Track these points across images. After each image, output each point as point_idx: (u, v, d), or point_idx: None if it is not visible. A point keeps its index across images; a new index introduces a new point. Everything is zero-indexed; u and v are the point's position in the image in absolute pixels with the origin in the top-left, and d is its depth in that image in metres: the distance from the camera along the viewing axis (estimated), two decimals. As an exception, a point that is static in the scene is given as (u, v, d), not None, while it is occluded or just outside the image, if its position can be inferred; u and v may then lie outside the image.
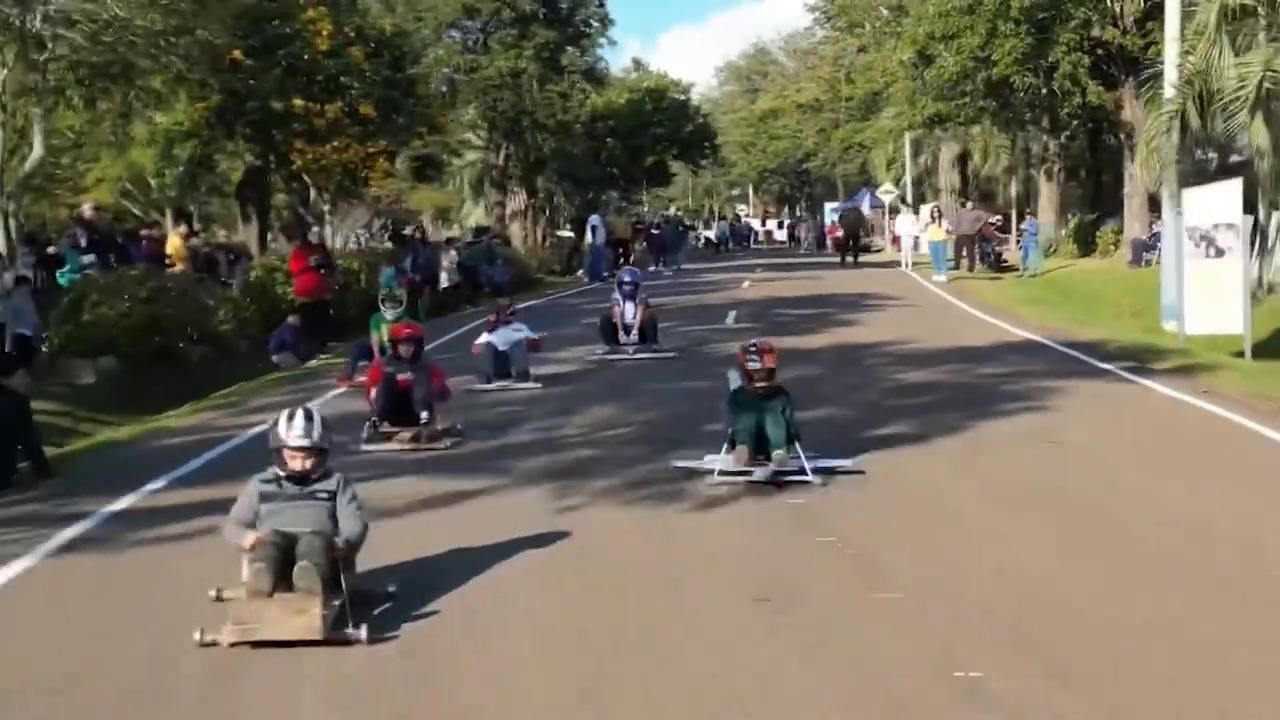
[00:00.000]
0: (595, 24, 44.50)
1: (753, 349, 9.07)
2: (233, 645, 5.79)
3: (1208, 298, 16.51)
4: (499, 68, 40.63)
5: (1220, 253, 16.49)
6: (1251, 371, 14.56)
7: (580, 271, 36.83)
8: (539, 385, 14.10)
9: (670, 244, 42.65)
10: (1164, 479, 9.18)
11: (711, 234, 68.17)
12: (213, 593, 6.21)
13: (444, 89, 40.88)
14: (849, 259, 38.25)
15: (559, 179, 48.15)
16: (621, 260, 36.55)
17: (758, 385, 8.92)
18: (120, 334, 16.69)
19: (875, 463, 9.48)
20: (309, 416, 6.43)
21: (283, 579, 5.98)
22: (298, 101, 23.29)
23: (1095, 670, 5.31)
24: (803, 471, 8.68)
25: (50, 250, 20.36)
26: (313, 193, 26.53)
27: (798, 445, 8.80)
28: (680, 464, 9.45)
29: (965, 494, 8.79)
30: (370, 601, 6.29)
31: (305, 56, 23.42)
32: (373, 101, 24.11)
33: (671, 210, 74.07)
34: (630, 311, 17.15)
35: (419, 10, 40.13)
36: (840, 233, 41.40)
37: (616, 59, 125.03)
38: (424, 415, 10.79)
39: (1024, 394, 12.63)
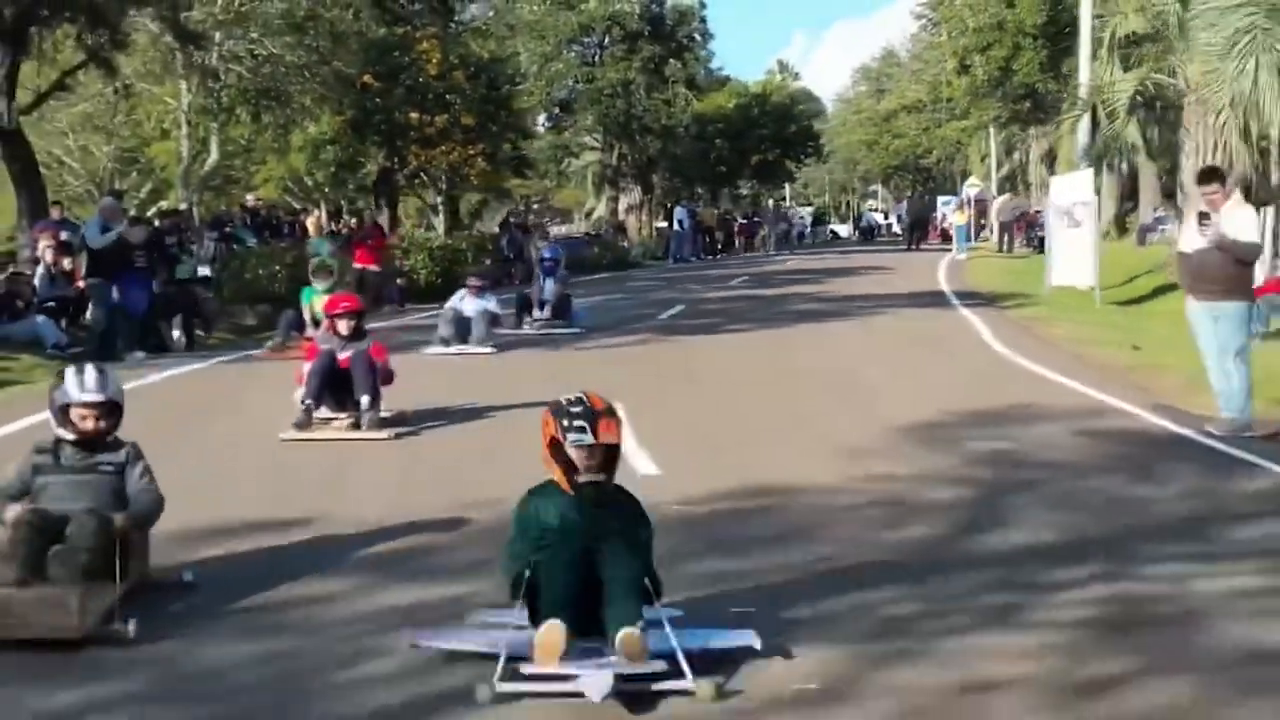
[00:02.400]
0: (697, 38, 50.85)
1: (575, 410, 4.86)
2: None
3: (1067, 258, 22.04)
4: (610, 79, 47.30)
5: (1077, 224, 22.00)
6: (1061, 305, 20.12)
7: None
8: (494, 350, 15.52)
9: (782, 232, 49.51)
10: (891, 357, 15.08)
11: (841, 228, 74.96)
12: None
13: (563, 98, 48.05)
14: (913, 245, 43.97)
15: (670, 176, 54.64)
16: (708, 244, 43.22)
17: (585, 483, 4.86)
18: (271, 288, 23.64)
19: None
20: (101, 370, 5.89)
21: (41, 566, 5.31)
22: (413, 115, 30.22)
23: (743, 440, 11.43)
24: (676, 670, 4.50)
25: (227, 230, 27.59)
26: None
27: (660, 610, 4.81)
28: (428, 644, 5.01)
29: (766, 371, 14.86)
30: (163, 591, 5.71)
31: (420, 79, 30.36)
32: (472, 114, 30.92)
33: (790, 203, 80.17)
34: (549, 288, 18.42)
35: (542, 30, 47.05)
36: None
37: (761, 61, 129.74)
38: (365, 400, 9.86)
39: (874, 312, 18.64)
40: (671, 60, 48.95)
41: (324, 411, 9.98)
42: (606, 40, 48.42)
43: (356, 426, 9.80)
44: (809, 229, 70.81)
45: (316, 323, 13.66)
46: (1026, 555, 6.47)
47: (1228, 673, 4.75)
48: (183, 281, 19.77)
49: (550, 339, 17.22)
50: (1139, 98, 22.63)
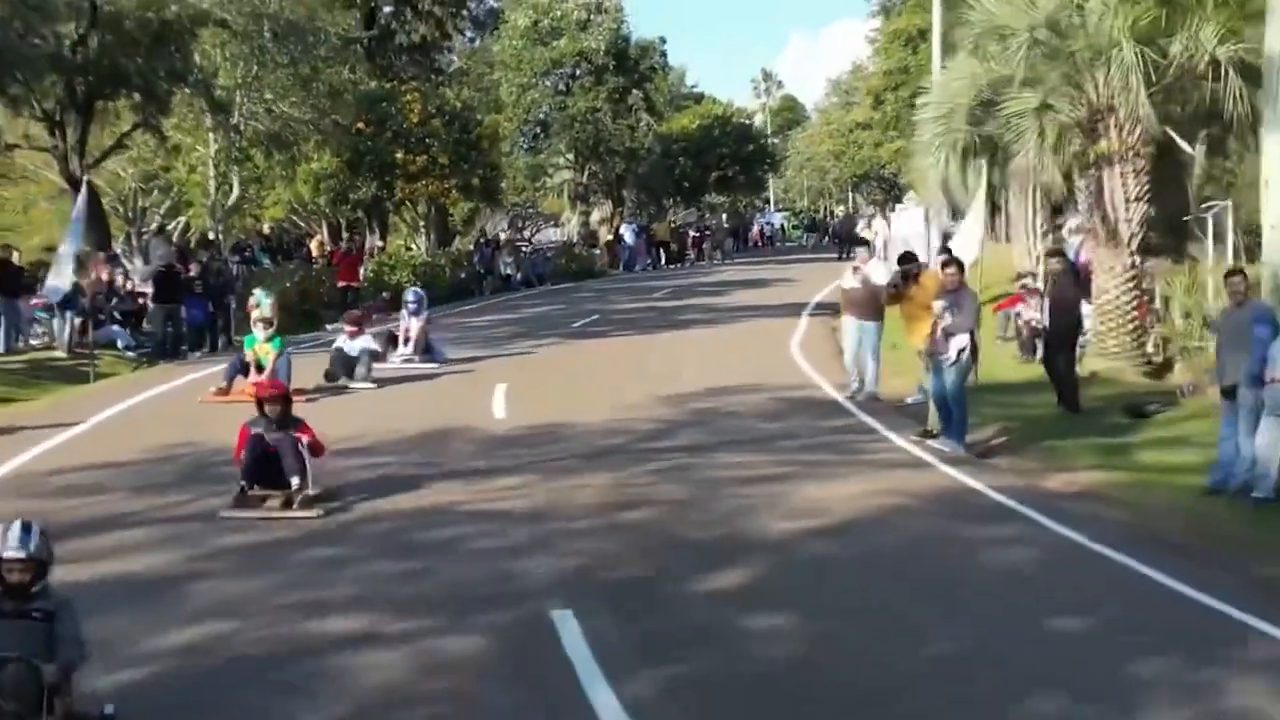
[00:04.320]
0: (657, 69, 57.84)
1: None
2: None
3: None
4: (580, 107, 54.25)
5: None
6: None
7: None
8: (375, 385, 17.89)
9: (718, 241, 56.26)
10: (711, 355, 21.92)
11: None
12: None
13: (539, 122, 55.09)
14: (843, 255, 50.76)
15: (638, 191, 61.69)
16: (663, 255, 50.47)
17: None
18: (286, 298, 30.51)
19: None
20: (26, 527, 6.21)
21: None
22: (399, 155, 37.12)
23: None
24: None
25: (246, 254, 34.54)
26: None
27: None
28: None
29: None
30: None
31: (403, 125, 37.26)
32: (447, 153, 37.84)
33: (769, 209, 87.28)
34: (413, 326, 20.37)
35: (519, 64, 53.96)
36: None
37: (745, 71, 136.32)
38: (295, 481, 10.68)
39: (736, 320, 25.50)
40: (634, 90, 55.81)
41: (258, 490, 10.89)
42: (576, 72, 55.31)
43: (289, 505, 10.65)
44: (779, 234, 77.61)
45: (260, 368, 16.62)
46: (679, 450, 13.41)
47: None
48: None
49: (435, 368, 20.02)
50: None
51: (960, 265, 14.56)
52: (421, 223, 44.02)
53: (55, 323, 24.35)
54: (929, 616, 8.36)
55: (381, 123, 37.13)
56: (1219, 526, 10.98)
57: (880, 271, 16.97)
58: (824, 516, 10.73)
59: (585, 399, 16.76)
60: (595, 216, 59.57)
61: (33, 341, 24.53)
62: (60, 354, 23.60)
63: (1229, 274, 12.77)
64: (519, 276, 41.24)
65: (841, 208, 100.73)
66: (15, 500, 10.89)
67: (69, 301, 23.70)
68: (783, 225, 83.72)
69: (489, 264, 39.61)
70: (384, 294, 33.17)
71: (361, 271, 32.58)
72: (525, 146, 56.93)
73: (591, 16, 54.85)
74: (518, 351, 22.54)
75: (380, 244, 40.48)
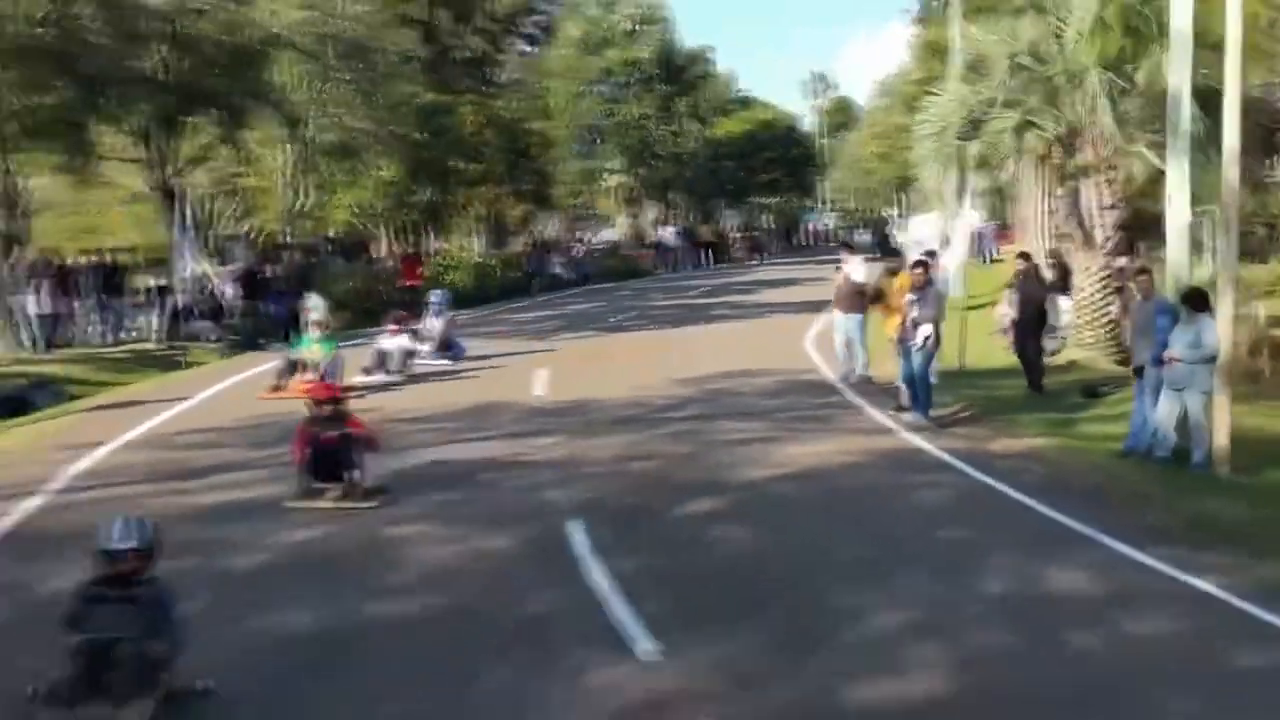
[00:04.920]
0: (704, 77, 60.77)
1: None
2: None
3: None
4: (629, 113, 57.29)
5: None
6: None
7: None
8: (405, 379, 19.87)
9: (761, 244, 59.14)
10: (729, 345, 24.72)
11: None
12: (30, 690, 6.48)
13: (591, 128, 58.13)
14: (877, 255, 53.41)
15: (685, 194, 64.68)
16: (705, 257, 53.38)
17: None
18: (350, 297, 33.63)
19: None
20: (131, 522, 6.92)
21: (95, 685, 6.38)
22: (455, 163, 40.27)
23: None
24: None
25: (318, 255, 37.78)
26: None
27: None
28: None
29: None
30: (188, 699, 6.77)
31: (459, 135, 40.42)
32: (500, 162, 40.97)
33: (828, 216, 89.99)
34: (435, 326, 22.07)
35: (571, 74, 57.05)
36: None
37: (801, 73, 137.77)
38: (351, 475, 11.64)
39: (759, 315, 28.27)
40: (681, 97, 58.74)
41: (318, 484, 11.75)
42: (626, 81, 58.34)
43: (347, 496, 11.57)
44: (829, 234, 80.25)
45: (307, 367, 18.12)
46: (686, 419, 16.24)
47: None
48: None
49: (450, 365, 21.95)
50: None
51: (926, 267, 17.25)
52: (477, 225, 47.19)
53: (149, 318, 27.65)
54: (845, 532, 11.12)
55: (439, 133, 40.25)
56: (1120, 479, 13.57)
57: (860, 270, 19.72)
58: (793, 467, 13.51)
59: (612, 381, 19.59)
60: (645, 219, 62.61)
61: (127, 334, 27.88)
62: (153, 346, 26.85)
63: (1137, 272, 15.43)
64: (568, 276, 44.23)
65: (889, 210, 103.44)
66: (154, 451, 14.07)
67: (161, 299, 26.98)
68: (832, 226, 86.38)
69: (540, 264, 42.65)
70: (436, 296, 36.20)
71: (421, 272, 35.56)
72: (577, 152, 60.00)
73: (640, 27, 57.87)
74: (560, 342, 25.50)
75: (438, 246, 43.66)
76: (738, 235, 58.63)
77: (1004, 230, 50.02)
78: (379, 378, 19.75)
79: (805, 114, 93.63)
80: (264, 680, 7.47)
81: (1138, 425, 14.78)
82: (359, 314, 31.63)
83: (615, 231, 66.16)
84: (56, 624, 6.64)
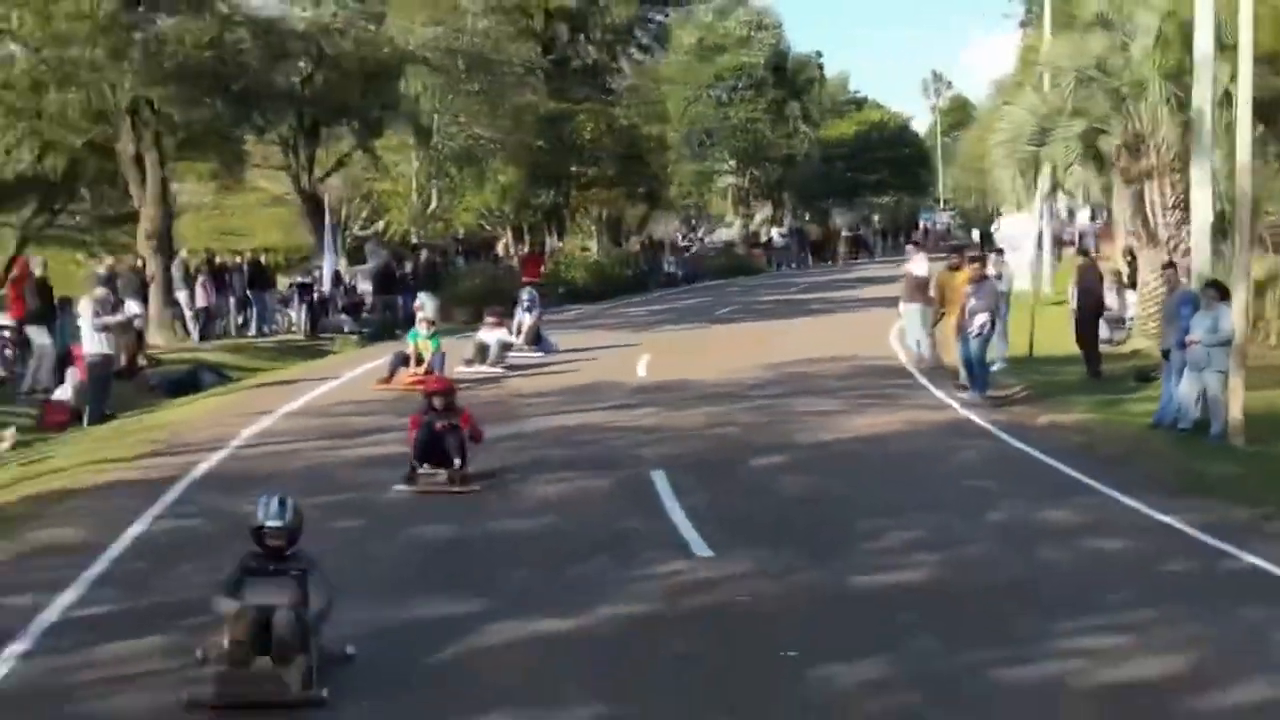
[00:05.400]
0: (813, 81, 62.94)
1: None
2: (213, 708, 6.94)
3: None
4: (740, 117, 59.77)
5: (1016, 249, 33.27)
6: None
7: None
8: (505, 370, 21.36)
9: (867, 243, 61.17)
10: (819, 335, 27.03)
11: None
12: (199, 653, 7.24)
13: (703, 131, 60.68)
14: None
15: (796, 195, 66.92)
16: (814, 255, 55.63)
17: None
18: (475, 293, 36.52)
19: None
20: (283, 502, 7.60)
21: (258, 647, 7.06)
22: (572, 168, 43.11)
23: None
24: None
25: (445, 254, 40.81)
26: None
27: None
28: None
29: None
30: (333, 662, 7.44)
31: (576, 142, 43.26)
32: (615, 166, 43.71)
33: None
34: (525, 321, 24.00)
35: (685, 79, 59.68)
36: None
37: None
38: (458, 461, 12.57)
39: (851, 309, 30.55)
40: (791, 101, 61.03)
41: (427, 468, 12.67)
42: (737, 85, 60.80)
43: (452, 481, 12.56)
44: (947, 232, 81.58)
45: (420, 360, 19.54)
46: (767, 396, 18.67)
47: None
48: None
49: (541, 358, 23.75)
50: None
51: (981, 262, 19.49)
52: (595, 226, 50.02)
53: (294, 312, 30.86)
54: (883, 481, 13.49)
55: (557, 139, 43.09)
56: (1141, 447, 15.68)
57: (923, 266, 22.00)
58: (853, 434, 15.88)
59: (707, 365, 22.05)
60: (757, 218, 65.01)
61: (272, 327, 31.11)
62: (299, 337, 30.01)
63: (1164, 266, 17.51)
64: (681, 274, 46.83)
65: (1007, 208, 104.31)
66: (309, 418, 17.12)
67: (303, 294, 30.16)
68: (948, 224, 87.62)
69: (653, 262, 45.30)
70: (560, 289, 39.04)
71: (542, 270, 38.41)
72: (691, 155, 62.58)
73: (752, 33, 60.29)
74: (664, 333, 28.12)
75: (558, 245, 46.57)
76: (845, 234, 60.69)
77: (1107, 229, 51.59)
78: (478, 369, 21.43)
79: (922, 114, 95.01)
80: (413, 571, 10.05)
81: (1165, 401, 16.84)
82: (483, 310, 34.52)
83: (728, 231, 68.58)
84: (216, 590, 7.57)
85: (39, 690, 7.41)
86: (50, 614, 8.73)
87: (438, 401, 13.04)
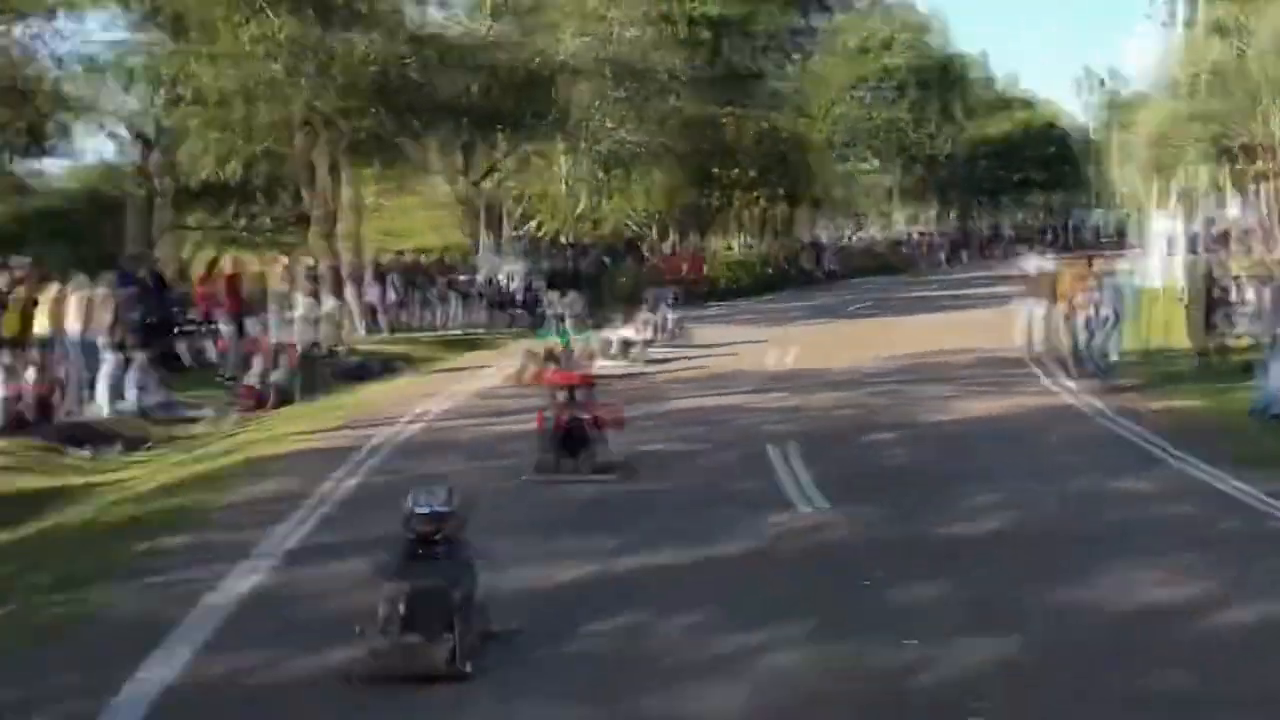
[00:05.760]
0: (963, 81, 63.88)
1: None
2: (367, 679, 7.45)
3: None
4: (889, 118, 61.12)
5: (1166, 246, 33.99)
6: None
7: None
8: (641, 365, 22.85)
9: (1009, 240, 62.11)
10: (946, 328, 28.51)
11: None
12: (357, 629, 7.74)
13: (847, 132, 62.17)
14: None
15: (943, 193, 67.91)
16: (952, 252, 56.78)
17: None
18: (623, 291, 38.58)
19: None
20: (436, 491, 8.16)
21: (409, 624, 7.60)
22: (717, 169, 45.11)
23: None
24: None
25: (596, 253, 43.01)
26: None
27: None
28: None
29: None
30: (496, 638, 8.02)
31: (723, 145, 45.23)
32: (759, 168, 45.57)
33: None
34: (664, 318, 26.69)
35: (836, 81, 61.20)
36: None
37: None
38: (593, 451, 13.19)
39: (982, 305, 31.94)
40: (939, 100, 62.09)
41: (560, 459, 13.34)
42: (886, 86, 62.13)
43: (585, 471, 13.09)
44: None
45: (562, 358, 20.41)
46: (890, 383, 20.37)
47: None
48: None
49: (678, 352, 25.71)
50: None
51: (1094, 260, 20.99)
52: (742, 225, 51.90)
53: (460, 308, 33.49)
54: (980, 454, 15.11)
55: (704, 142, 45.12)
56: (1232, 428, 16.97)
57: (1032, 264, 23.47)
58: (964, 415, 17.52)
59: (837, 356, 23.79)
60: (903, 217, 66.25)
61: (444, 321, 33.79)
62: (462, 330, 32.58)
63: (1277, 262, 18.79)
64: (825, 271, 48.49)
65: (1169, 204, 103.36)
66: (477, 400, 19.47)
67: (468, 291, 32.69)
68: (1109, 222, 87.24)
69: (797, 261, 47.08)
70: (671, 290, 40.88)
71: (686, 268, 40.47)
72: (837, 155, 64.02)
73: (904, 35, 61.61)
74: (801, 326, 30.05)
75: (704, 245, 48.66)
76: (987, 233, 61.56)
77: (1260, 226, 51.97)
78: (617, 362, 22.94)
79: (1082, 110, 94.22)
80: (556, 515, 12.02)
81: (1262, 389, 18.09)
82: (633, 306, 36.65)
83: (874, 230, 69.93)
84: (375, 572, 8.17)
85: (271, 597, 9.67)
86: (277, 544, 11.05)
87: (572, 394, 13.86)
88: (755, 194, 45.89)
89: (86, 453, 16.95)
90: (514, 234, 44.91)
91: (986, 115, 70.48)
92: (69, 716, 7.29)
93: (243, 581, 9.89)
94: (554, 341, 21.51)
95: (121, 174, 35.37)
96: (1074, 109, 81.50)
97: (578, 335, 21.98)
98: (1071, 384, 19.99)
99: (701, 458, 14.91)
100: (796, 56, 57.69)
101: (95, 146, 40.77)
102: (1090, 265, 20.69)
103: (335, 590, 9.33)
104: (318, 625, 8.55)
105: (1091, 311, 20.19)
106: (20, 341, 18.68)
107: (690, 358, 24.87)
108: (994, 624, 8.80)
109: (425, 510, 8.02)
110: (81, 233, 37.78)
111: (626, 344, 23.99)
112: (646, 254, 44.93)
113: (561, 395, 13.78)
